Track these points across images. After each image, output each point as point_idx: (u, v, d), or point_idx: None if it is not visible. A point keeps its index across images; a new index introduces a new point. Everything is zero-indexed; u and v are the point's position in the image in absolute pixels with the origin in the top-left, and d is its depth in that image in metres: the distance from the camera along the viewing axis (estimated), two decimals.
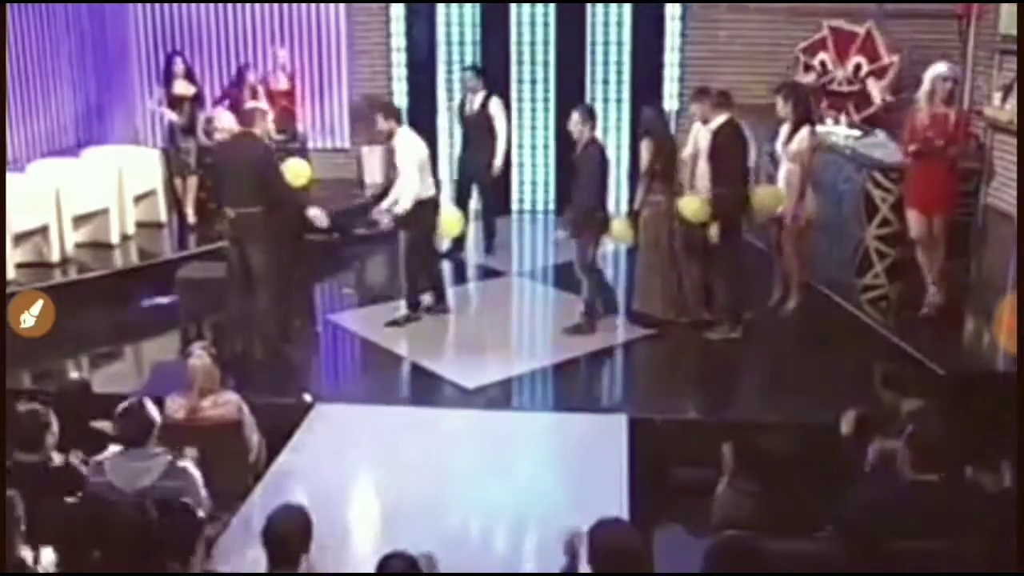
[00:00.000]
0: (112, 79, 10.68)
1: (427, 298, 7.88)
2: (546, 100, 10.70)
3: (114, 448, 4.32)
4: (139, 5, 10.76)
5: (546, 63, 10.70)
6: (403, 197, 7.45)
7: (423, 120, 10.04)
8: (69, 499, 4.26)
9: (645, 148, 7.51)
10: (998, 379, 5.97)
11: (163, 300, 7.90)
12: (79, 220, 8.60)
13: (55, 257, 8.26)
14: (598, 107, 10.46)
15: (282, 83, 10.11)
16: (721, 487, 4.43)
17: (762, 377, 7.04)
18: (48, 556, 3.92)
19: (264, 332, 7.05)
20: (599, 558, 3.41)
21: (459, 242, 9.15)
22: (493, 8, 10.59)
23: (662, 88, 10.38)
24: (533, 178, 10.93)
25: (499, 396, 6.69)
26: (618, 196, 10.42)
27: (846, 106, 9.40)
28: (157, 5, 10.77)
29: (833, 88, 9.53)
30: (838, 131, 8.73)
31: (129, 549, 3.93)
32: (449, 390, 6.74)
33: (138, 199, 9.30)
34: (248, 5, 10.74)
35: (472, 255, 9.55)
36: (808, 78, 9.51)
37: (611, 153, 10.39)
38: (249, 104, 7.82)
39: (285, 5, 10.73)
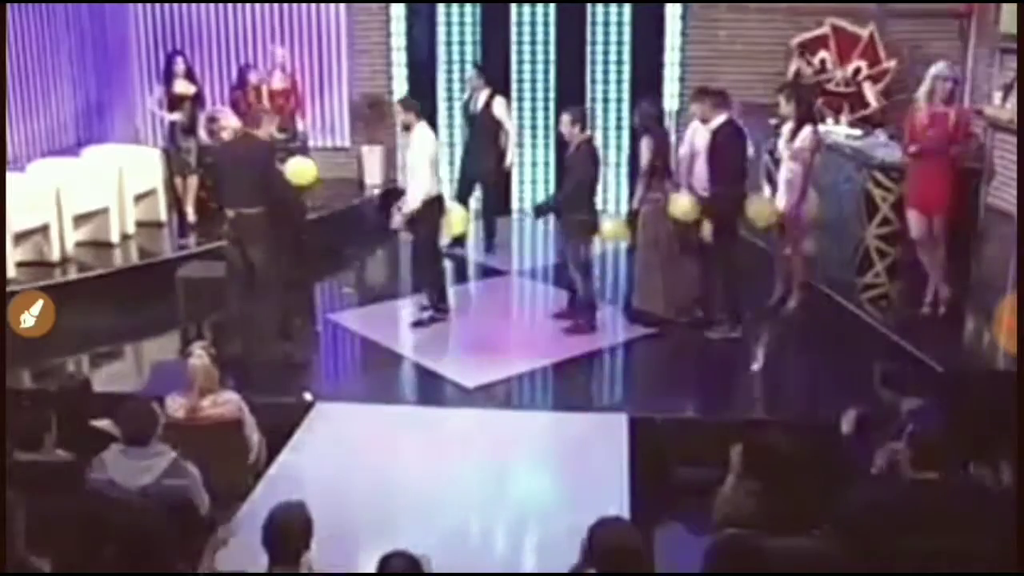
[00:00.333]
0: (112, 78, 10.67)
1: (425, 298, 7.90)
2: (546, 100, 10.70)
3: (116, 446, 4.31)
4: (139, 4, 10.76)
5: (546, 63, 10.71)
6: (414, 196, 7.48)
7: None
8: (69, 497, 4.26)
9: (645, 145, 7.52)
10: (998, 378, 5.96)
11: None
12: (79, 219, 8.60)
13: (55, 256, 8.25)
14: (598, 107, 10.58)
15: (281, 82, 10.07)
16: (727, 486, 4.42)
17: (762, 376, 7.03)
18: (48, 554, 3.93)
19: (265, 332, 7.05)
20: (600, 557, 3.41)
21: (456, 240, 9.14)
22: (493, 8, 10.59)
23: (662, 87, 10.37)
24: (533, 178, 10.92)
25: (499, 395, 6.69)
26: (618, 195, 10.45)
27: (842, 105, 9.41)
28: (157, 4, 10.76)
29: (831, 88, 9.55)
30: (839, 130, 8.73)
31: (129, 547, 3.94)
32: (449, 389, 6.74)
33: (138, 198, 9.29)
34: (248, 4, 10.73)
35: (472, 254, 9.55)
36: (806, 70, 9.51)
37: (612, 153, 10.46)
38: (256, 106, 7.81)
39: (285, 4, 10.73)
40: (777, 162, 7.72)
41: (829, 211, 7.70)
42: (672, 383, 7.05)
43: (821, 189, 7.57)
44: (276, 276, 7.02)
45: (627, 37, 10.57)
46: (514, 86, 10.71)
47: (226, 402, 5.19)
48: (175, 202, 9.61)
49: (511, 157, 9.41)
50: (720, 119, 7.27)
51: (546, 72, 10.71)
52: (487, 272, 9.26)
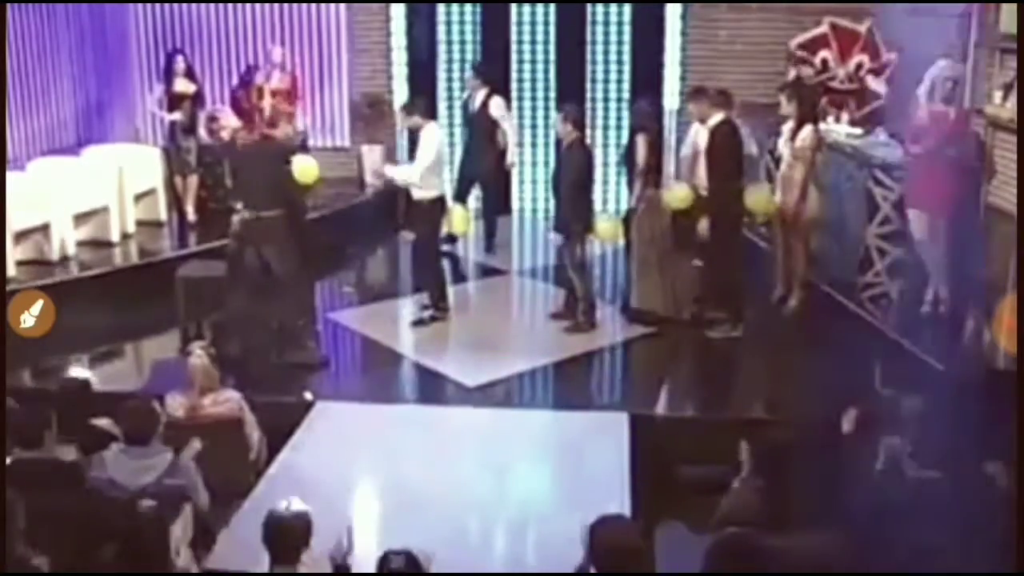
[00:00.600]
0: (112, 77, 10.66)
1: (426, 298, 7.90)
2: (546, 99, 10.69)
3: (116, 445, 4.31)
4: (139, 4, 10.75)
5: (546, 62, 10.70)
6: (408, 172, 7.52)
7: None
8: (69, 495, 4.25)
9: (641, 144, 7.52)
10: (998, 377, 5.96)
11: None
12: (79, 218, 8.59)
13: (56, 255, 8.25)
14: (598, 106, 10.57)
15: (280, 81, 10.06)
16: (736, 483, 4.42)
17: (764, 375, 7.03)
18: (48, 552, 3.92)
19: (292, 333, 7.04)
20: (601, 555, 3.40)
21: (452, 238, 9.13)
22: (493, 7, 10.59)
23: (662, 87, 10.37)
24: (533, 177, 10.92)
25: (500, 394, 6.69)
26: (619, 194, 10.44)
27: (846, 103, 9.40)
28: (157, 3, 10.75)
29: (834, 86, 9.54)
30: (839, 129, 8.73)
31: (130, 544, 3.94)
32: (450, 388, 6.74)
33: (138, 197, 9.29)
34: (248, 4, 10.72)
35: (472, 254, 9.55)
36: (806, 72, 9.51)
37: (612, 152, 10.45)
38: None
39: (285, 4, 10.72)
40: (778, 161, 7.72)
41: (830, 210, 7.70)
42: (673, 382, 7.05)
43: (822, 188, 7.57)
44: (297, 277, 7.02)
45: (627, 37, 10.57)
46: (514, 86, 10.71)
47: (226, 400, 5.20)
48: (175, 201, 9.61)
49: (512, 156, 9.40)
50: (717, 118, 7.30)
51: (546, 72, 10.71)
52: (487, 271, 9.26)
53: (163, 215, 9.53)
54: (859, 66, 9.46)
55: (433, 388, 6.80)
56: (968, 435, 4.52)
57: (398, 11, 10.69)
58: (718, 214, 7.23)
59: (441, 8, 10.67)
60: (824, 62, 9.68)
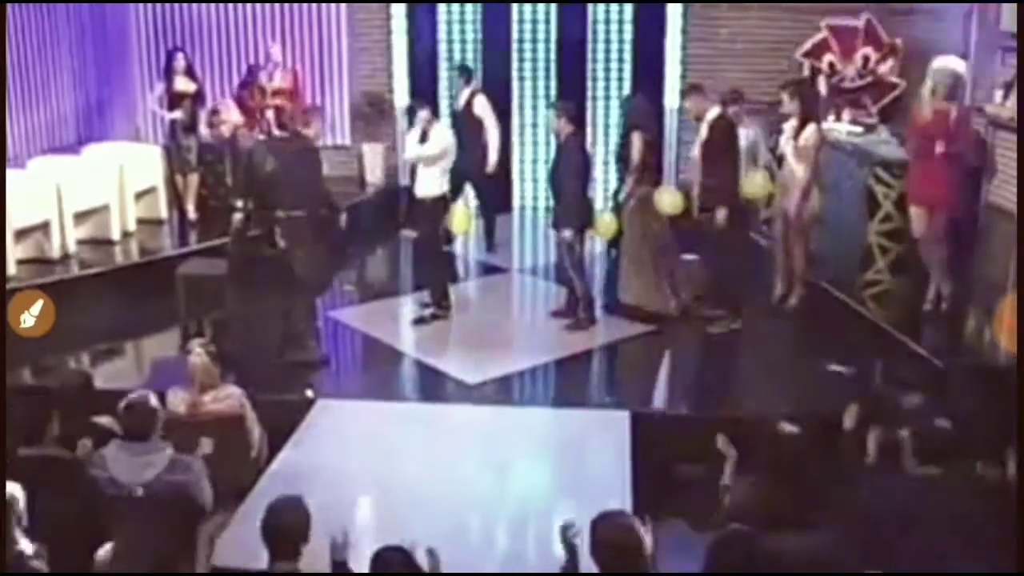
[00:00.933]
0: (113, 75, 10.66)
1: (427, 296, 7.90)
2: (547, 97, 10.68)
3: (116, 442, 4.30)
4: (140, 3, 10.75)
5: (547, 60, 10.70)
6: (421, 153, 7.59)
7: None
8: (69, 493, 4.26)
9: (636, 141, 7.51)
10: (999, 374, 5.95)
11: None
12: (80, 216, 8.59)
13: (56, 253, 8.24)
14: (599, 104, 10.56)
15: (283, 80, 10.08)
16: (725, 480, 4.42)
17: (765, 373, 7.03)
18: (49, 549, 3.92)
19: (297, 332, 7.02)
20: (602, 550, 3.40)
21: (449, 237, 9.11)
22: (494, 5, 10.59)
23: (663, 85, 10.37)
24: (534, 175, 10.91)
25: (501, 392, 6.69)
26: (619, 192, 10.42)
27: (862, 100, 9.37)
28: (158, 3, 10.75)
29: (846, 86, 9.52)
30: (840, 128, 8.73)
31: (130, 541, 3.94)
32: (451, 386, 6.74)
33: (139, 196, 9.29)
34: (248, 3, 10.71)
35: (473, 252, 9.55)
36: (819, 80, 9.52)
37: (612, 150, 10.44)
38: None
39: (286, 3, 10.71)
40: (780, 159, 7.72)
41: (831, 208, 7.69)
42: (674, 380, 7.05)
43: (823, 186, 7.56)
44: (315, 278, 7.03)
45: (628, 35, 10.57)
46: (515, 83, 10.72)
47: (227, 397, 5.19)
48: (175, 200, 9.61)
49: (495, 154, 9.38)
50: (714, 113, 7.34)
51: (547, 69, 10.71)
52: (488, 269, 9.27)
53: (164, 213, 9.53)
54: (866, 59, 9.44)
55: (434, 386, 6.80)
56: (969, 433, 4.51)
57: (399, 10, 10.69)
58: (713, 209, 7.24)
59: (442, 6, 10.67)
60: (831, 65, 9.67)
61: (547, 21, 10.64)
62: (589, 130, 10.10)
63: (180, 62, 9.50)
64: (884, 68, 9.31)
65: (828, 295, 7.64)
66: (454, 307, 7.94)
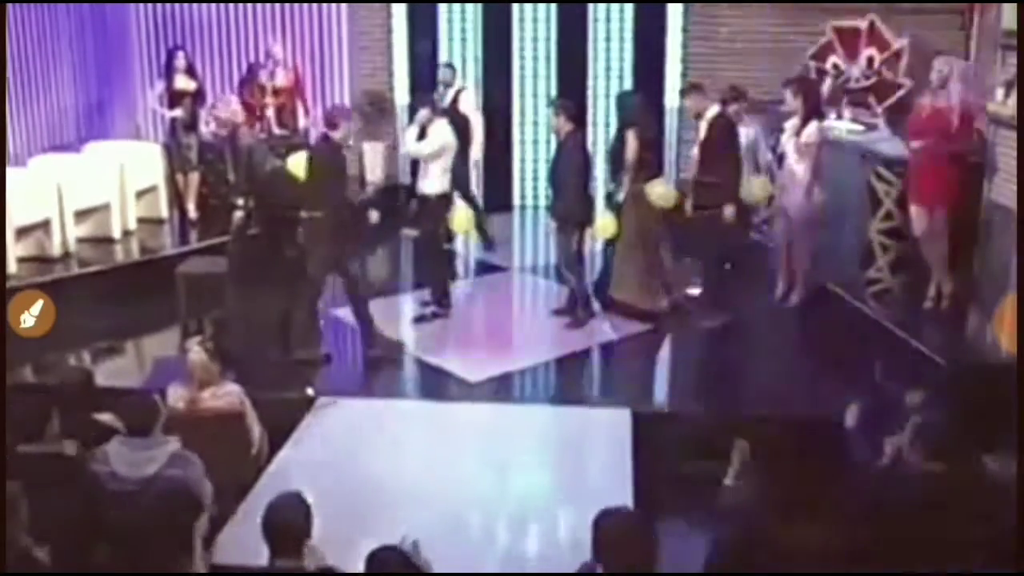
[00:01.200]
0: (113, 74, 10.66)
1: (427, 294, 7.90)
2: (548, 96, 10.68)
3: (118, 438, 4.30)
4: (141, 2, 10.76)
5: (548, 58, 10.70)
6: (412, 150, 7.61)
7: None
8: (70, 489, 4.25)
9: (631, 138, 7.50)
10: (1000, 371, 5.95)
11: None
12: (81, 215, 8.59)
13: (56, 252, 8.25)
14: (600, 102, 10.55)
15: (283, 79, 10.08)
16: (729, 479, 4.41)
17: (766, 371, 7.03)
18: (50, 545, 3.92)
19: (304, 331, 7.04)
20: (605, 547, 3.39)
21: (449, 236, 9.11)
22: (495, 4, 10.57)
23: (664, 83, 10.37)
24: (535, 173, 10.91)
25: (502, 390, 6.69)
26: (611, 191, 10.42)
27: (867, 100, 9.36)
28: (159, 2, 10.75)
29: (851, 86, 9.50)
30: (841, 126, 8.72)
31: (131, 539, 3.93)
32: (452, 384, 6.73)
33: (140, 194, 9.29)
34: (249, 2, 10.71)
35: (474, 251, 9.54)
36: (825, 85, 9.51)
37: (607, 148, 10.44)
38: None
39: (287, 1, 10.71)
40: (781, 157, 7.72)
41: (832, 206, 7.69)
42: (675, 378, 7.05)
43: (824, 184, 7.57)
44: (324, 278, 7.03)
45: (628, 34, 10.57)
46: (516, 81, 10.72)
47: (226, 394, 5.19)
48: (176, 198, 9.61)
49: (476, 153, 9.35)
50: (713, 111, 7.35)
51: (548, 67, 10.71)
52: (488, 268, 9.27)
53: (164, 212, 9.53)
54: (870, 60, 9.43)
55: (435, 384, 6.80)
56: (971, 429, 4.51)
57: (399, 8, 10.69)
58: (710, 206, 7.27)
59: (443, 5, 10.66)
60: (836, 67, 9.66)
61: (548, 19, 10.63)
62: (590, 129, 10.09)
63: (180, 61, 9.50)
64: (889, 69, 9.30)
65: (829, 293, 7.64)
66: (455, 305, 7.93)
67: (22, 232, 8.02)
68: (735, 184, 7.34)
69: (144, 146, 9.90)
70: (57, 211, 8.27)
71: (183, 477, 4.12)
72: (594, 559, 3.42)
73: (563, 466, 5.92)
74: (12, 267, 7.77)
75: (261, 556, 3.84)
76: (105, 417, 4.86)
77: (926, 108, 7.09)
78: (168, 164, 9.59)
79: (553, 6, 10.59)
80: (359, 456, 5.87)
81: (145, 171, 9.37)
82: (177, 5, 10.73)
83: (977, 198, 7.70)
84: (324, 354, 7.15)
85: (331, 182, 6.87)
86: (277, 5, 10.73)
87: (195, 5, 10.71)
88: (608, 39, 10.61)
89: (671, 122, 10.37)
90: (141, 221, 9.24)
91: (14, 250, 7.86)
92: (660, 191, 7.48)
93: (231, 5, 10.74)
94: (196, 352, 5.24)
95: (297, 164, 7.24)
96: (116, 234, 8.85)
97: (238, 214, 7.34)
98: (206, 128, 9.40)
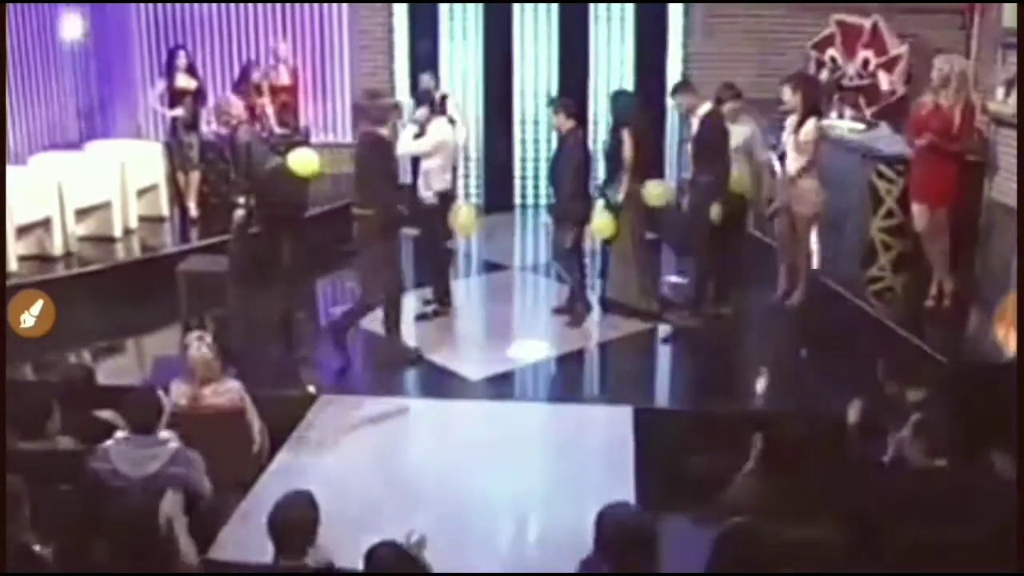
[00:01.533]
0: (114, 72, 10.66)
1: (429, 292, 7.91)
2: (548, 94, 10.68)
3: (119, 435, 4.30)
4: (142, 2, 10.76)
5: (549, 57, 10.70)
6: (408, 148, 7.55)
7: None
8: (71, 486, 4.25)
9: (626, 138, 7.49)
10: (1001, 370, 5.94)
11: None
12: (82, 213, 8.58)
13: (57, 250, 8.24)
14: (601, 101, 10.55)
15: (284, 77, 10.10)
16: (737, 476, 4.41)
17: (768, 368, 7.03)
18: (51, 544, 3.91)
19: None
20: (608, 541, 3.38)
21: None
22: (496, 3, 10.57)
23: (665, 81, 10.36)
24: (536, 172, 10.91)
25: (503, 387, 6.69)
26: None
27: (857, 100, 9.38)
28: (160, 2, 10.76)
29: (844, 83, 9.52)
30: (842, 124, 8.72)
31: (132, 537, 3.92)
32: (453, 382, 6.73)
33: (141, 193, 9.28)
34: (251, 1, 10.72)
35: (475, 250, 9.55)
36: (822, 74, 9.52)
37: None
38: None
39: (288, 1, 10.72)
40: (782, 156, 7.72)
41: (834, 204, 7.69)
42: (678, 375, 7.04)
43: (825, 182, 7.57)
44: (387, 274, 6.87)
45: (630, 33, 10.57)
46: (516, 81, 10.71)
47: (227, 391, 5.19)
48: (177, 197, 9.61)
49: (457, 158, 9.36)
50: (704, 108, 7.37)
51: (549, 66, 10.71)
52: (489, 267, 9.27)
53: (165, 211, 9.53)
54: (866, 62, 9.44)
55: (436, 381, 6.79)
56: (973, 426, 4.51)
57: (400, 7, 10.69)
58: (704, 203, 7.27)
59: (444, 4, 10.66)
60: (833, 60, 9.68)
61: (548, 18, 10.63)
62: (591, 128, 10.09)
63: (182, 60, 9.50)
64: (883, 76, 9.31)
65: (831, 291, 7.64)
66: (456, 304, 7.93)
67: (23, 230, 8.01)
68: (724, 182, 7.34)
69: (145, 145, 9.91)
70: (58, 209, 8.26)
71: (185, 475, 4.11)
72: (596, 553, 3.42)
73: (564, 464, 5.90)
74: (13, 265, 7.76)
75: (262, 553, 3.84)
76: (106, 414, 4.86)
77: (927, 106, 7.08)
78: (169, 163, 9.59)
79: (554, 6, 10.59)
80: (360, 454, 5.86)
81: (146, 170, 9.37)
82: (178, 5, 10.72)
83: (978, 197, 7.70)
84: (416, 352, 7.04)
85: (381, 179, 6.77)
86: (278, 4, 10.72)
87: (196, 5, 10.70)
88: (609, 38, 10.60)
89: (673, 121, 10.36)
90: (142, 220, 9.24)
91: (15, 248, 7.85)
92: (655, 191, 7.48)
93: (232, 5, 10.74)
94: (196, 347, 5.24)
95: (297, 161, 7.23)
96: (117, 233, 8.84)
97: (239, 212, 7.34)
98: (207, 127, 9.41)
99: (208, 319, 7.45)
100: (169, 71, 9.55)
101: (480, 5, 10.63)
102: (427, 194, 7.66)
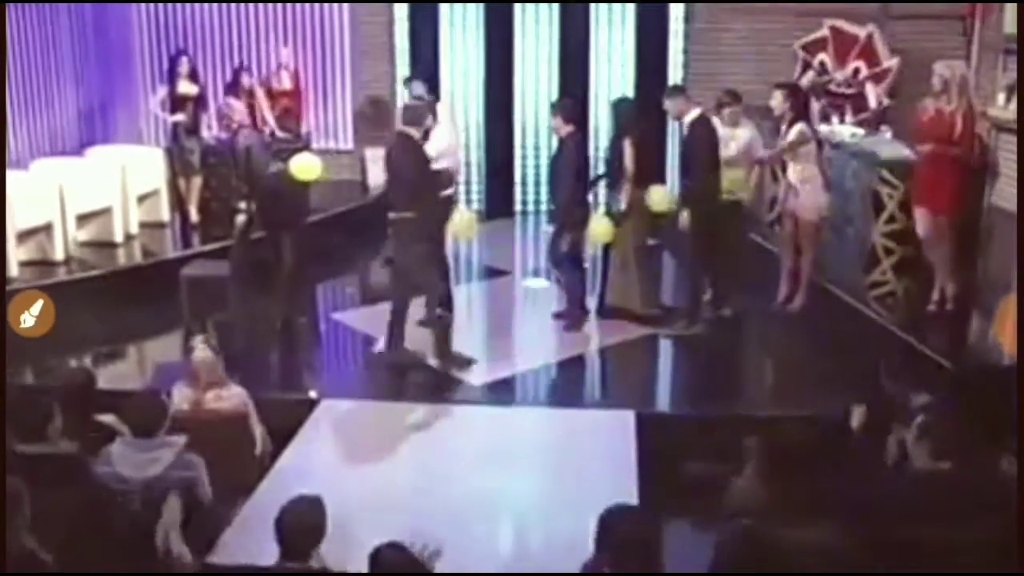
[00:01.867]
0: (116, 78, 10.68)
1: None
2: (549, 99, 10.68)
3: (122, 439, 4.29)
4: (143, 4, 10.76)
5: (549, 62, 10.71)
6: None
7: None
8: (73, 489, 4.23)
9: (628, 147, 7.48)
10: (1004, 374, 5.94)
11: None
12: (83, 218, 8.59)
13: (59, 255, 8.24)
14: (602, 105, 10.57)
15: (285, 83, 10.12)
16: (743, 478, 4.40)
17: (770, 373, 7.03)
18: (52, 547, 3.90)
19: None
20: (611, 544, 3.37)
21: None
22: (497, 8, 10.60)
23: (666, 85, 10.35)
24: (536, 178, 10.91)
25: (504, 392, 6.69)
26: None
27: (844, 107, 9.42)
28: (161, 4, 10.77)
29: (832, 89, 9.56)
30: (843, 130, 8.73)
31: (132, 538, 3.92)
32: (455, 387, 6.73)
33: (142, 198, 9.29)
34: (252, 5, 10.74)
35: (476, 255, 9.55)
36: (806, 77, 9.55)
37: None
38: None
39: (289, 5, 10.74)
40: (784, 163, 7.75)
41: (835, 209, 7.70)
42: (679, 380, 7.04)
43: (826, 187, 7.57)
44: (421, 279, 6.83)
45: (630, 36, 10.59)
46: (517, 85, 10.73)
47: (231, 396, 5.19)
48: (178, 202, 9.61)
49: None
50: (694, 114, 7.38)
51: (549, 71, 10.72)
52: (491, 272, 9.26)
53: (166, 216, 9.54)
54: (856, 71, 9.48)
55: (438, 386, 6.79)
56: (976, 429, 4.50)
57: (402, 13, 10.71)
58: (699, 208, 7.28)
59: (445, 9, 10.68)
60: (822, 64, 9.70)
61: (549, 23, 10.65)
62: (591, 132, 10.10)
63: (184, 66, 9.51)
64: (870, 87, 9.35)
65: (833, 296, 7.63)
66: (457, 309, 7.92)
67: (24, 236, 8.01)
68: (710, 188, 7.34)
69: (146, 150, 9.92)
70: (59, 215, 8.26)
71: (187, 478, 4.11)
72: (598, 557, 3.41)
73: (566, 468, 5.89)
74: (13, 271, 7.76)
75: (264, 557, 3.83)
76: (107, 418, 4.85)
77: (928, 111, 7.09)
78: (170, 168, 9.60)
79: (555, 9, 10.60)
80: (363, 458, 5.85)
81: (147, 175, 9.37)
82: (180, 10, 10.74)
83: (980, 202, 7.71)
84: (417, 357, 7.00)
85: (419, 181, 6.71)
86: (280, 10, 10.74)
87: (197, 10, 10.72)
88: (610, 42, 10.62)
89: (673, 125, 10.34)
90: (143, 225, 9.24)
91: (15, 254, 7.85)
92: (658, 197, 7.48)
93: (234, 10, 10.76)
94: (200, 350, 5.24)
95: (300, 166, 7.23)
96: (118, 238, 8.85)
97: (240, 217, 7.34)
98: (208, 132, 9.42)
99: (210, 324, 7.45)
100: (171, 77, 9.56)
101: (481, 10, 10.64)
102: None
